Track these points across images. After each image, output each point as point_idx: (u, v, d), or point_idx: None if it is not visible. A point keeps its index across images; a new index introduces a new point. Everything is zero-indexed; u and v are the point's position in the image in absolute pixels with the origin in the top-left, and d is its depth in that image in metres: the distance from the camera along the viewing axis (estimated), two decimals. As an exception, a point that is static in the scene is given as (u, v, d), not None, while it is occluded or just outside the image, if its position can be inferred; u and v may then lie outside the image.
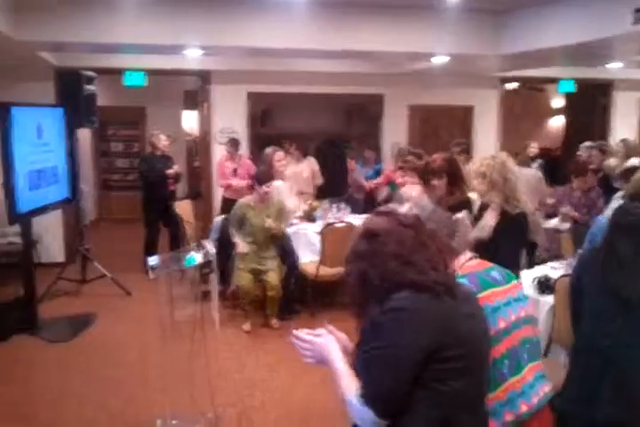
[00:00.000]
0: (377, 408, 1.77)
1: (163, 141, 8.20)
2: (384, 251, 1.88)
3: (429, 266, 1.87)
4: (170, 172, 8.03)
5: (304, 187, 8.07)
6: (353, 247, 1.98)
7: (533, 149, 8.60)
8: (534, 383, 2.41)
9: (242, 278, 6.09)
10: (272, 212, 6.10)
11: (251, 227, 6.06)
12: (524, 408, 2.34)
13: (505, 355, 2.33)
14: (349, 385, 1.85)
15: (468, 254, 2.58)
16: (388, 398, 1.76)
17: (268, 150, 6.56)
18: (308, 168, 8.56)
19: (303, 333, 2.09)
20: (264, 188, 6.01)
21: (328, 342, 2.05)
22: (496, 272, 2.51)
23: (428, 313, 1.78)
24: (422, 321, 1.77)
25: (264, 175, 6.16)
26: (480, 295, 2.31)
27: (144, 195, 8.32)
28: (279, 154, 6.70)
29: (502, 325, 2.36)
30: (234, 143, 8.28)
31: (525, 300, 2.56)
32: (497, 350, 2.29)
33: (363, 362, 1.82)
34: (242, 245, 6.03)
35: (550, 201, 6.71)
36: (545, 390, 2.45)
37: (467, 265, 2.52)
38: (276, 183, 6.36)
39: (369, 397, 1.77)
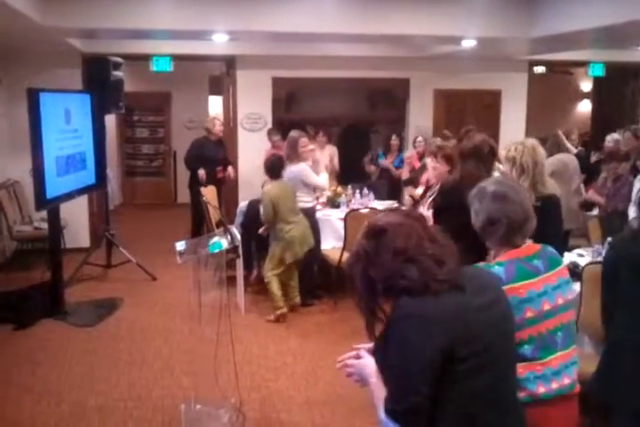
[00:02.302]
0: (405, 422, 1.73)
1: (217, 126, 8.20)
2: (390, 247, 1.81)
3: (434, 260, 1.80)
4: (201, 173, 7.93)
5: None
6: (357, 247, 1.90)
7: (574, 140, 8.45)
8: (560, 370, 2.37)
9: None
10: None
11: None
12: (541, 390, 2.32)
13: (527, 341, 2.31)
14: (379, 401, 1.82)
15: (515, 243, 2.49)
16: (413, 410, 1.72)
17: (294, 134, 6.49)
18: (330, 157, 8.53)
19: (345, 356, 2.07)
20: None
21: (367, 361, 1.97)
22: (539, 261, 2.43)
23: (434, 316, 1.73)
24: (431, 325, 1.72)
25: (281, 160, 6.20)
26: (509, 286, 2.28)
27: (190, 179, 8.33)
28: (304, 140, 6.68)
29: (529, 314, 2.32)
30: (275, 132, 8.34)
31: (566, 285, 2.47)
32: (518, 335, 2.24)
33: (386, 377, 1.80)
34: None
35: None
36: (565, 381, 2.39)
37: (511, 251, 2.44)
38: (293, 168, 6.29)
39: (395, 412, 1.74)
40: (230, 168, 8.34)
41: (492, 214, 2.45)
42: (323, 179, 6.58)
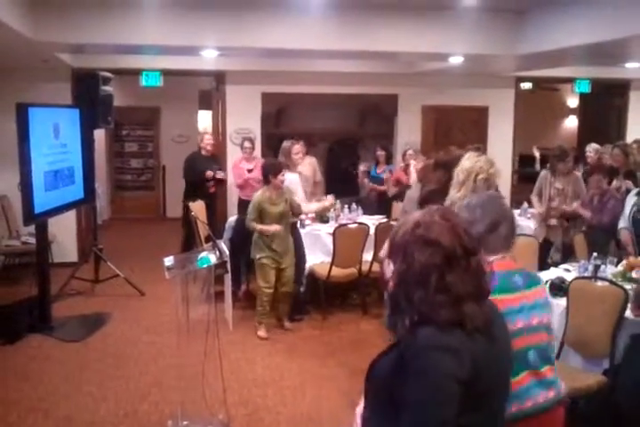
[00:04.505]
0: None
1: (205, 140, 8.28)
2: (428, 264, 1.72)
3: (473, 295, 1.74)
4: (209, 173, 8.05)
5: (306, 186, 8.06)
6: (404, 244, 1.78)
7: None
8: (531, 387, 2.36)
9: (268, 276, 5.94)
10: (286, 198, 5.96)
11: (269, 219, 5.85)
12: (514, 409, 2.28)
13: None
14: None
15: (501, 253, 2.49)
16: None
17: (287, 143, 6.70)
18: (310, 167, 8.53)
19: None
20: (279, 177, 5.84)
21: None
22: (519, 277, 2.44)
23: (460, 350, 1.68)
24: (458, 358, 1.66)
25: (275, 166, 6.01)
26: (496, 297, 2.23)
27: (184, 193, 8.38)
28: (297, 147, 6.79)
29: None
30: (251, 143, 8.34)
31: (543, 307, 2.45)
32: None
33: (410, 408, 1.67)
34: (274, 227, 5.83)
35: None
36: (548, 395, 2.39)
37: (497, 262, 2.44)
38: (290, 175, 6.30)
39: None
40: (222, 173, 8.36)
41: (495, 218, 2.47)
42: (303, 205, 6.37)
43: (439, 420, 1.63)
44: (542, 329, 2.44)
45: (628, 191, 6.30)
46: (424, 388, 1.65)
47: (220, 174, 8.20)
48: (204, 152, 8.29)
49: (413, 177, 6.41)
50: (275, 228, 5.83)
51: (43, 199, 5.89)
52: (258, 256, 5.94)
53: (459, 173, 4.05)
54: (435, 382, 1.65)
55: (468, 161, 4.04)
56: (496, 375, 1.79)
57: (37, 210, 5.79)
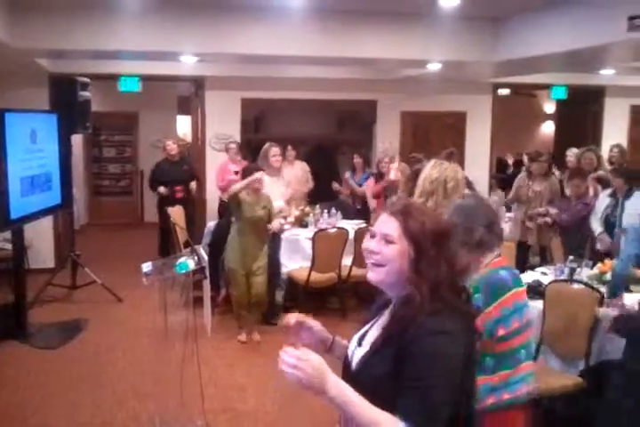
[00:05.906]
0: None
1: (167, 148, 8.43)
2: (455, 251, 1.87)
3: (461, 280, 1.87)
4: (161, 189, 8.15)
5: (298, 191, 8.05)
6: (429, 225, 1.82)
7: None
8: (523, 379, 2.51)
9: (238, 282, 5.86)
10: (265, 204, 5.90)
11: (242, 221, 5.76)
12: (506, 396, 2.46)
13: (503, 353, 2.47)
14: (385, 419, 1.68)
15: (497, 251, 2.63)
16: (442, 424, 1.69)
17: (265, 146, 6.68)
18: (301, 171, 8.52)
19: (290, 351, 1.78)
20: (255, 175, 5.74)
21: (320, 362, 1.70)
22: (507, 272, 2.59)
23: (459, 334, 1.75)
24: (457, 342, 1.74)
25: (251, 169, 5.97)
26: (517, 290, 2.49)
27: (157, 200, 8.56)
28: (275, 149, 6.73)
29: (515, 325, 2.47)
30: (236, 144, 8.39)
31: (527, 305, 2.62)
32: (502, 346, 2.46)
33: (418, 392, 1.69)
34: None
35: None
36: (523, 390, 2.52)
37: (494, 261, 2.58)
38: (266, 178, 6.25)
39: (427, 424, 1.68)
40: (192, 184, 8.46)
41: (491, 218, 2.63)
42: (277, 205, 6.30)
43: (443, 401, 1.70)
44: (531, 325, 2.63)
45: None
46: (434, 371, 1.70)
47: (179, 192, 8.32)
48: (170, 158, 8.39)
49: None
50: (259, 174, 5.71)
51: (19, 205, 5.83)
52: (227, 260, 5.89)
53: (425, 182, 4.02)
54: (440, 365, 1.70)
55: (435, 170, 4.01)
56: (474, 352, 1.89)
57: (13, 216, 5.73)
